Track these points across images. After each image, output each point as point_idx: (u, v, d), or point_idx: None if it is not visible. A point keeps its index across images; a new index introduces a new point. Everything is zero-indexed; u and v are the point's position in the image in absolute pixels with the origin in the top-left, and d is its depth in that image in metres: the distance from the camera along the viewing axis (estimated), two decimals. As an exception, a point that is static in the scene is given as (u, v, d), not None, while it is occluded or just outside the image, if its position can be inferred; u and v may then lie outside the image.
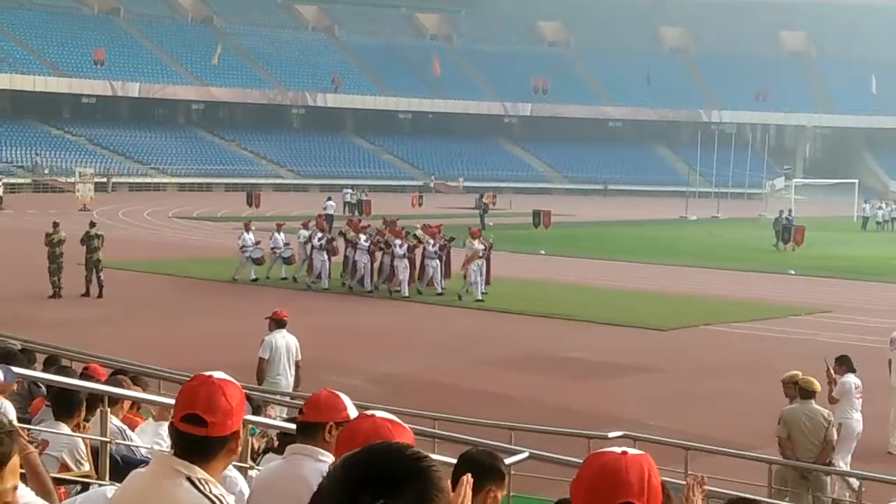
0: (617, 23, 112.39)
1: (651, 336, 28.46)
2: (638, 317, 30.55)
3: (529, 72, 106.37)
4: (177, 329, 26.36)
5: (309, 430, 4.82)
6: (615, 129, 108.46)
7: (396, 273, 32.60)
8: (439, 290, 32.97)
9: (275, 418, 12.45)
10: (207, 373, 3.90)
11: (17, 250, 38.42)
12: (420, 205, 72.81)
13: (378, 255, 33.45)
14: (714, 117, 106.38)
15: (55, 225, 31.88)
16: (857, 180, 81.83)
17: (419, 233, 34.28)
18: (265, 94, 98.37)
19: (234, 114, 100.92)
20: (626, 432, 13.97)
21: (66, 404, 7.68)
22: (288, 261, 35.79)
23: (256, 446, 9.50)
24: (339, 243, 34.83)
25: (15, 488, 3.35)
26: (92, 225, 32.40)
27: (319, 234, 34.61)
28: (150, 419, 9.20)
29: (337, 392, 5.05)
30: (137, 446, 8.10)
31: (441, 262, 33.23)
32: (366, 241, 33.19)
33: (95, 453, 7.45)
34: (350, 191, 70.19)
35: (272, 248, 35.71)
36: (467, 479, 2.29)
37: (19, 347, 12.42)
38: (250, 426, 9.84)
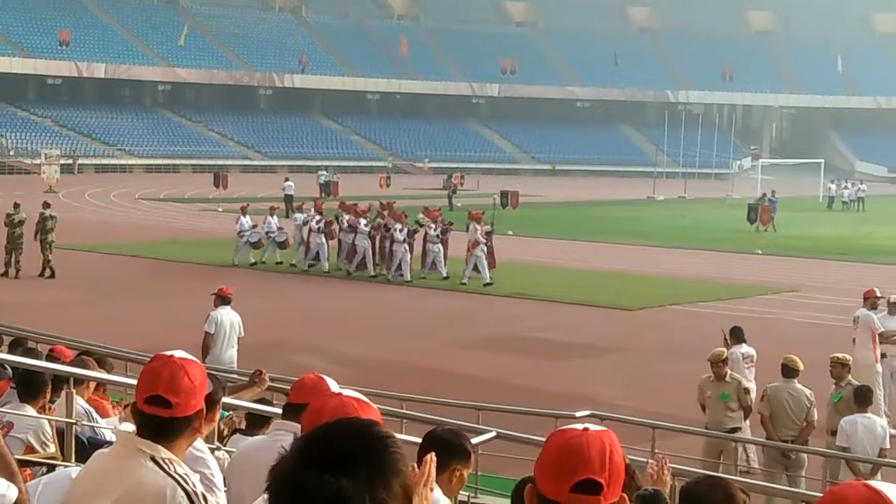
0: (584, 3, 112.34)
1: (619, 316, 28.55)
2: (605, 297, 30.66)
3: (497, 52, 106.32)
4: (143, 310, 26.26)
5: (294, 410, 4.86)
6: (582, 110, 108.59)
7: (394, 257, 32.21)
8: (444, 275, 32.48)
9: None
10: (168, 352, 3.88)
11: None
12: (388, 186, 72.69)
13: (377, 237, 33.09)
14: (681, 97, 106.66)
15: (16, 206, 31.92)
16: (823, 160, 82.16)
17: (421, 217, 34.05)
18: (232, 75, 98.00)
19: (201, 95, 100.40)
20: (594, 411, 14.02)
21: (31, 386, 7.65)
22: (282, 245, 35.56)
23: (223, 428, 9.47)
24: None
25: None
26: (46, 206, 32.35)
27: (318, 217, 34.21)
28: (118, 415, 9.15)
29: (323, 376, 5.09)
30: (103, 427, 8.08)
31: (444, 246, 32.78)
32: (366, 225, 32.92)
33: (61, 435, 7.43)
34: (324, 172, 69.91)
35: (266, 233, 35.42)
36: (431, 457, 2.29)
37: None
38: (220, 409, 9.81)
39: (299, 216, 35.47)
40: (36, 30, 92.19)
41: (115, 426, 8.46)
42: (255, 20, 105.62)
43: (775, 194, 54.38)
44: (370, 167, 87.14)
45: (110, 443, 5.60)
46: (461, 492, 10.31)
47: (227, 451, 7.39)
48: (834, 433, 13.85)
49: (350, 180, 70.12)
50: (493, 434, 10.85)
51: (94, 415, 8.27)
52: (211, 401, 3.90)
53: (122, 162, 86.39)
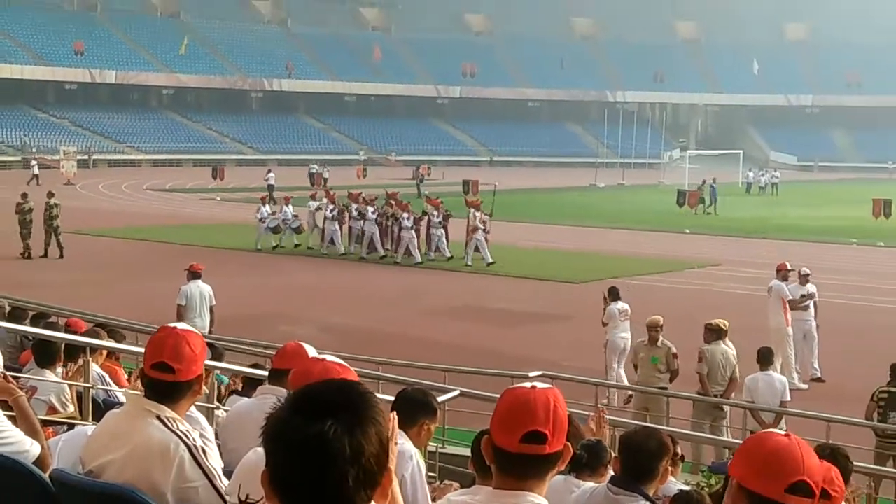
0: (534, 14, 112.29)
1: (565, 288, 28.62)
2: (553, 272, 30.72)
3: (459, 58, 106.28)
4: (152, 288, 26.16)
5: (278, 375, 4.86)
6: (533, 109, 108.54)
7: (402, 242, 31.78)
8: (448, 255, 32.07)
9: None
10: (172, 324, 3.92)
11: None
12: (364, 176, 72.57)
13: (386, 225, 32.68)
14: (618, 97, 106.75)
15: (24, 196, 31.89)
16: (741, 151, 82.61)
17: (427, 206, 33.56)
18: (227, 80, 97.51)
19: (200, 98, 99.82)
20: (545, 371, 14.06)
21: (45, 353, 7.71)
22: (297, 230, 35.19)
23: (222, 390, 9.48)
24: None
25: None
26: (50, 195, 32.29)
27: (331, 206, 33.77)
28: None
29: (302, 343, 5.08)
30: (115, 390, 8.07)
31: (446, 231, 32.44)
32: (373, 212, 32.54)
33: (80, 398, 7.41)
34: (315, 166, 69.55)
35: (283, 220, 35.07)
36: (393, 416, 2.32)
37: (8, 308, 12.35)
38: (216, 372, 9.82)
39: (313, 203, 34.93)
40: (54, 41, 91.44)
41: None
42: (247, 31, 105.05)
43: (716, 181, 54.43)
44: (349, 160, 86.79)
45: (122, 404, 5.59)
46: (430, 443, 10.34)
47: (225, 411, 7.39)
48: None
49: (332, 172, 69.79)
50: (456, 392, 10.87)
51: (108, 379, 8.25)
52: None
53: (132, 157, 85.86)
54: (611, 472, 5.16)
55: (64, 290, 24.23)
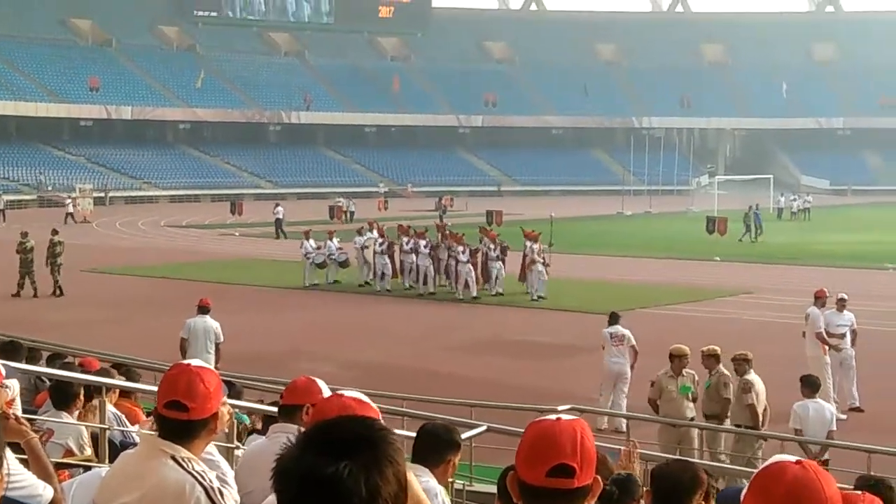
0: (557, 40, 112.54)
1: (594, 320, 28.48)
2: (582, 303, 30.60)
3: (480, 87, 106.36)
4: (169, 325, 26.16)
5: (289, 411, 4.81)
6: (557, 136, 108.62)
7: (460, 276, 31.32)
8: (500, 291, 31.67)
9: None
10: (185, 361, 3.88)
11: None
12: (386, 209, 72.65)
13: (440, 259, 32.22)
14: (644, 123, 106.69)
15: (24, 234, 32.10)
16: (771, 176, 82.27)
17: (484, 239, 33.02)
18: (244, 114, 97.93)
19: (217, 132, 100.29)
20: (574, 406, 13.98)
21: (63, 395, 7.68)
22: (343, 264, 35.00)
23: (240, 428, 9.43)
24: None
25: None
26: (54, 233, 32.51)
27: (380, 240, 33.52)
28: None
29: (314, 378, 5.03)
30: (132, 431, 8.04)
31: (503, 264, 32.01)
32: (425, 246, 32.26)
33: (95, 439, 7.39)
34: (342, 199, 69.27)
35: (328, 255, 34.77)
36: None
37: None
38: (236, 412, 9.79)
39: (359, 239, 34.46)
40: (68, 78, 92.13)
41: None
42: (264, 64, 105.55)
43: (759, 207, 54.09)
44: (369, 192, 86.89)
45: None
46: (457, 481, 10.26)
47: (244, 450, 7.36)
48: (709, 416, 13.96)
49: (354, 205, 69.78)
50: (483, 428, 10.83)
51: (123, 419, 8.23)
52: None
53: (149, 194, 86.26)
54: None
55: (78, 329, 24.27)
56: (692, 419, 14.16)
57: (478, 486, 11.14)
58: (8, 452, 4.15)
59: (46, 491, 4.15)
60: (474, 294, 31.21)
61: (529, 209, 69.25)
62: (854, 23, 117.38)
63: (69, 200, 66.11)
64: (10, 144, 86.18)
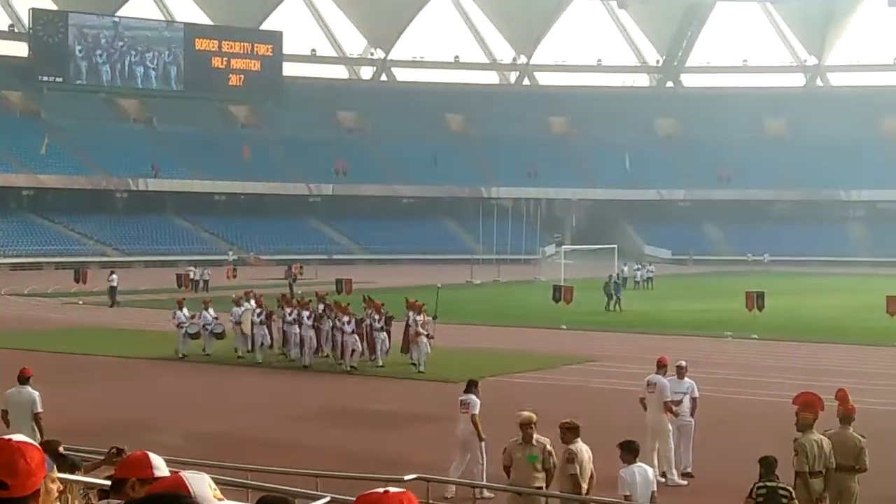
0: (407, 111, 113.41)
1: (442, 388, 28.59)
2: (430, 371, 30.66)
3: (331, 156, 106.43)
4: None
5: (118, 485, 4.73)
6: (408, 205, 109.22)
7: (347, 347, 30.71)
8: (380, 364, 31.02)
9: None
10: (6, 436, 3.76)
11: None
12: (234, 276, 71.86)
13: (324, 330, 31.53)
14: (493, 193, 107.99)
15: None
16: (616, 245, 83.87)
17: (367, 310, 32.25)
18: (90, 180, 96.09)
19: (62, 199, 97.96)
20: (420, 475, 13.99)
21: None
22: (219, 336, 33.81)
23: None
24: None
25: None
26: None
27: (258, 310, 32.80)
28: None
29: (149, 453, 4.94)
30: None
31: (388, 335, 31.41)
32: (308, 316, 31.55)
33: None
34: (193, 268, 68.16)
35: (203, 325, 33.67)
36: None
37: None
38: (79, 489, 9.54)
39: (236, 311, 33.36)
40: None
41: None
42: (111, 130, 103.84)
43: (619, 276, 55.17)
44: (219, 260, 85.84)
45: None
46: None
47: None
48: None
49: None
50: (327, 499, 10.73)
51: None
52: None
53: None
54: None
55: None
56: (540, 487, 14.25)
57: (323, 559, 11.01)
58: None
59: None
60: (354, 364, 30.67)
61: (380, 277, 69.46)
62: (694, 98, 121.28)
63: None
64: None
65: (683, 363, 19.60)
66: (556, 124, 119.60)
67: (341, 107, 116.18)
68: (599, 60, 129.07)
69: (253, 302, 33.98)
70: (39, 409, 17.03)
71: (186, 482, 3.51)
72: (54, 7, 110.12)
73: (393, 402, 26.33)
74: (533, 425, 14.40)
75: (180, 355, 33.30)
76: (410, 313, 31.59)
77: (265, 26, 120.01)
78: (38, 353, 33.06)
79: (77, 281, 65.56)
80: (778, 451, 14.01)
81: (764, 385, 28.31)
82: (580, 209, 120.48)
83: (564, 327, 43.08)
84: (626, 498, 13.33)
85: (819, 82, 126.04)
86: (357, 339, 30.89)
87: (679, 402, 18.91)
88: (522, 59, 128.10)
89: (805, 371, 30.17)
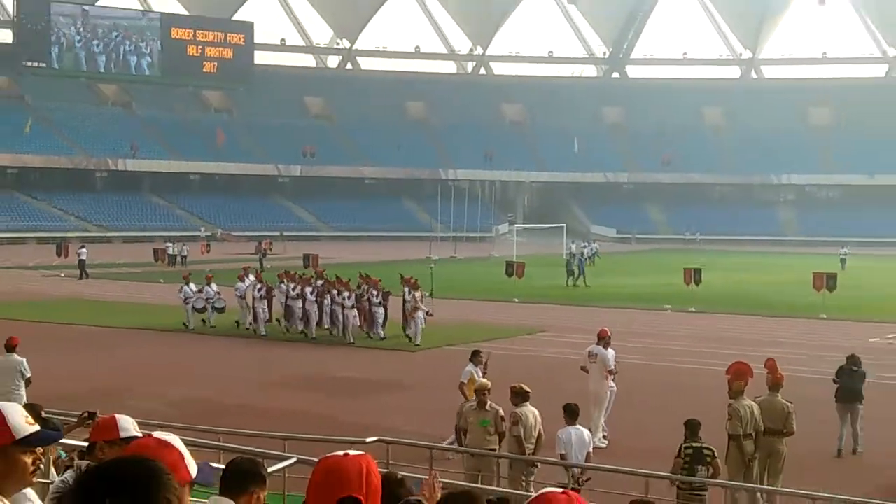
0: (370, 97, 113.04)
1: (403, 356, 28.67)
2: (392, 341, 30.71)
3: (299, 139, 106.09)
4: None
5: (90, 448, 4.71)
6: (370, 186, 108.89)
7: (348, 321, 30.53)
8: (382, 336, 30.93)
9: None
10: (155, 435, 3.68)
11: None
12: (208, 251, 71.51)
13: (325, 304, 31.10)
14: (451, 175, 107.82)
15: None
16: (565, 224, 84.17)
17: (364, 285, 31.96)
18: (72, 160, 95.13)
19: (45, 177, 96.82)
20: (381, 437, 14.02)
21: None
22: (220, 310, 33.49)
23: (58, 463, 9.14)
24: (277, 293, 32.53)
25: None
26: None
27: (259, 285, 32.32)
28: None
29: (117, 416, 4.90)
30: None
31: (385, 309, 31.25)
32: (311, 292, 31.20)
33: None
34: (171, 244, 67.38)
35: (206, 299, 33.33)
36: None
37: None
38: (58, 449, 9.53)
39: (241, 286, 32.96)
40: None
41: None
42: (92, 113, 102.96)
43: (584, 255, 55.53)
44: (193, 236, 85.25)
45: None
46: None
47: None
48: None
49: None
50: (294, 460, 10.75)
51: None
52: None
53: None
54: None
55: None
56: (493, 449, 14.32)
57: (290, 515, 11.03)
58: None
59: None
60: (351, 339, 30.48)
61: (345, 253, 69.28)
62: (638, 88, 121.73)
63: None
64: None
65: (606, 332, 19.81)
66: (509, 111, 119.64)
67: (309, 93, 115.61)
68: (550, 52, 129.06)
69: (252, 277, 33.67)
70: (28, 374, 17.03)
71: (150, 447, 3.47)
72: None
73: (377, 371, 26.30)
74: (487, 392, 14.48)
75: (192, 327, 32.93)
76: (406, 289, 31.44)
77: (237, 17, 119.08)
78: (23, 322, 32.79)
79: (59, 255, 64.96)
80: (709, 416, 14.16)
81: (699, 354, 28.55)
82: (532, 191, 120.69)
83: (517, 300, 43.20)
84: (562, 457, 13.48)
85: (753, 74, 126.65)
86: (357, 313, 30.76)
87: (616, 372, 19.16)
88: (479, 50, 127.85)
89: (737, 342, 30.44)
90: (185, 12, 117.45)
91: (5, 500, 3.56)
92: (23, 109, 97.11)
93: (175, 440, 3.60)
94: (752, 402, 14.54)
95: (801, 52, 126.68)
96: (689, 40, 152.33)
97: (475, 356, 17.68)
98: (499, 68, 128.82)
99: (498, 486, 13.17)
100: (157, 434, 3.66)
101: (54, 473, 7.73)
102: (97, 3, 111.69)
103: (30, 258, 66.38)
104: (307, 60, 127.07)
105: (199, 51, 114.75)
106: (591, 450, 13.89)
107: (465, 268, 64.42)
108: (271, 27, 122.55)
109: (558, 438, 13.59)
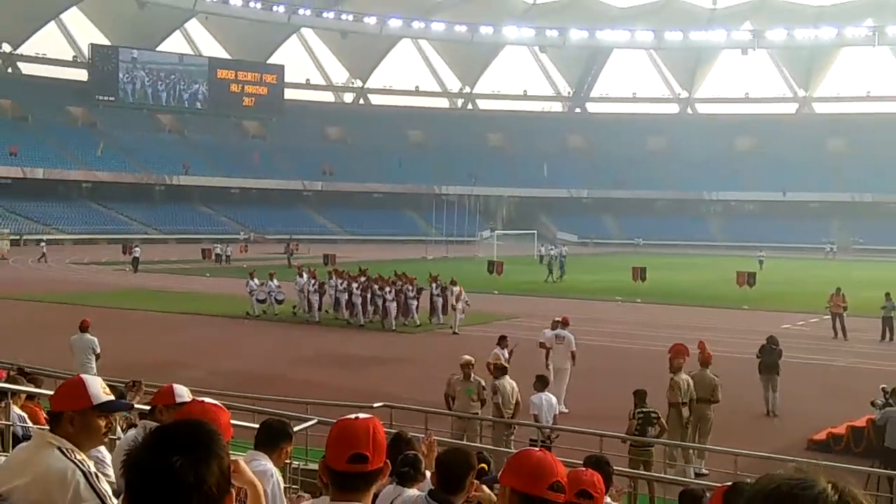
0: (379, 127, 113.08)
1: (403, 338, 28.62)
2: (422, 327, 30.61)
3: (320, 160, 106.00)
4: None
5: (151, 410, 4.66)
6: (378, 199, 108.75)
7: (388, 311, 30.25)
8: (417, 323, 30.64)
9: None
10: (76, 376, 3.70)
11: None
12: (247, 250, 71.38)
13: (368, 297, 30.77)
14: (444, 190, 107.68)
15: None
16: (535, 231, 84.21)
17: (398, 282, 31.53)
18: (135, 176, 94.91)
19: (113, 190, 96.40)
20: (385, 403, 13.98)
21: None
22: (280, 302, 32.89)
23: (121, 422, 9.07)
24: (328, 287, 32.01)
25: None
26: None
27: (313, 281, 31.92)
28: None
29: (174, 385, 4.88)
30: (30, 427, 7.66)
31: (418, 302, 31.01)
32: (357, 287, 30.93)
33: (2, 434, 7.01)
34: (218, 245, 66.95)
35: (268, 293, 32.86)
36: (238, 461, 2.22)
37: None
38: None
39: (300, 281, 32.40)
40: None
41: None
42: (152, 138, 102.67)
43: (563, 254, 55.57)
44: (234, 238, 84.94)
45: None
46: (295, 462, 10.07)
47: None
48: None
49: (221, 249, 68.13)
50: (315, 421, 10.70)
51: (26, 418, 7.82)
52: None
53: (56, 237, 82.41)
54: (428, 479, 5.05)
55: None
56: (476, 413, 14.30)
57: (312, 466, 11.01)
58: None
59: None
60: (394, 327, 30.13)
61: (357, 253, 69.21)
62: (596, 121, 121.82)
63: (43, 244, 63.23)
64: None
65: (558, 319, 19.84)
66: (492, 139, 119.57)
67: (328, 123, 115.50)
68: (525, 91, 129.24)
69: (306, 275, 32.96)
70: (98, 350, 16.99)
71: (206, 411, 3.45)
72: (108, 42, 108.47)
73: (361, 348, 26.23)
74: (471, 366, 14.48)
75: (256, 314, 32.36)
76: (433, 285, 31.42)
77: (271, 60, 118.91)
78: (96, 307, 32.69)
79: (124, 253, 64.79)
80: (652, 386, 14.15)
81: (644, 337, 28.56)
82: (509, 204, 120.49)
83: (496, 292, 43.16)
84: (535, 418, 13.49)
85: (689, 110, 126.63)
86: (396, 305, 30.50)
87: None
88: (467, 89, 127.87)
89: (675, 327, 30.43)
90: (228, 56, 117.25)
91: (82, 453, 3.55)
92: (96, 135, 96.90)
93: (219, 404, 3.58)
94: (688, 376, 14.55)
95: (728, 93, 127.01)
96: (637, 82, 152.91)
97: (502, 340, 17.65)
98: (483, 104, 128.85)
99: (480, 443, 13.14)
100: (208, 400, 3.64)
101: (119, 431, 7.70)
102: (157, 49, 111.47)
103: (101, 256, 66.22)
104: (327, 96, 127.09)
105: (240, 88, 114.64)
106: (557, 412, 13.92)
107: (454, 265, 64.29)
108: (299, 69, 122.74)
109: (531, 402, 13.62)
